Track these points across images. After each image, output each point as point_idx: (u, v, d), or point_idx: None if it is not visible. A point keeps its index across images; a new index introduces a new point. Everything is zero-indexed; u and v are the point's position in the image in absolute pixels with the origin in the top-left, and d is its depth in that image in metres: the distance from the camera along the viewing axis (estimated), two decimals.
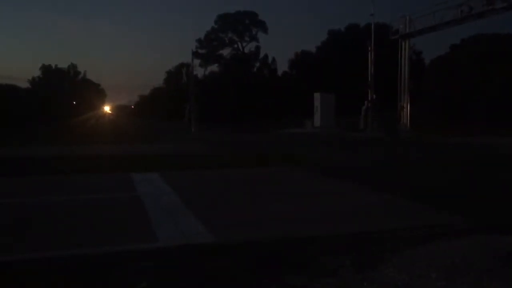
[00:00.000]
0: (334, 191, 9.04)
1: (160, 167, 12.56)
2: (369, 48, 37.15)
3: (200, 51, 73.34)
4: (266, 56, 75.38)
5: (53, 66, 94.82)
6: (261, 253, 4.84)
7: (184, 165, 13.52)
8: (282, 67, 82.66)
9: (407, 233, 5.32)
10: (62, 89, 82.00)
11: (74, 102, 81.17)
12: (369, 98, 36.73)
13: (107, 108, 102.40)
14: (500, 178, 10.56)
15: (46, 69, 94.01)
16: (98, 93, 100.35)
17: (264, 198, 8.22)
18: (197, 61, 65.91)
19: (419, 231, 5.42)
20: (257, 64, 75.77)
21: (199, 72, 73.43)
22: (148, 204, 7.57)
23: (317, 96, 44.29)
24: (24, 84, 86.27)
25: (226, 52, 77.23)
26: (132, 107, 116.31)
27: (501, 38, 44.02)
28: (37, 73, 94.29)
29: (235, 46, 76.94)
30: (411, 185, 9.60)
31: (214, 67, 77.12)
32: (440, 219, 6.21)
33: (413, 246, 4.64)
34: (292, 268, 4.34)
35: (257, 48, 75.71)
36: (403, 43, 35.13)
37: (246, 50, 76.78)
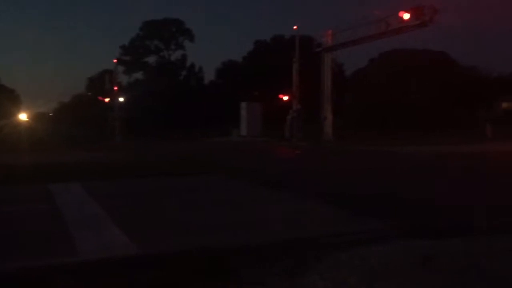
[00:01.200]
0: (261, 199, 9.12)
1: (81, 177, 12.07)
2: (294, 60, 38.14)
3: (124, 57, 71.57)
4: (193, 64, 74.97)
5: None
6: (188, 263, 4.77)
7: (106, 174, 13.09)
8: (209, 76, 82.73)
9: (332, 240, 5.47)
10: None
11: None
12: (294, 108, 37.62)
13: (23, 116, 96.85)
14: (418, 183, 11.15)
15: None
16: (12, 100, 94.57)
17: (190, 207, 8.14)
18: (121, 68, 64.20)
19: (343, 237, 5.59)
20: (184, 73, 75.16)
21: (123, 79, 71.48)
22: (68, 215, 7.24)
23: (243, 105, 44.81)
24: None
25: (151, 59, 75.92)
26: (51, 114, 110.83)
27: (416, 53, 46.82)
28: None
29: (161, 53, 75.88)
30: (334, 192, 9.88)
31: (139, 75, 75.51)
32: (362, 225, 6.45)
33: (337, 253, 4.78)
34: (220, 277, 4.31)
35: (184, 56, 75.12)
36: (326, 56, 36.41)
37: (172, 58, 75.93)
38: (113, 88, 51.37)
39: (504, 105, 45.00)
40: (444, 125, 37.46)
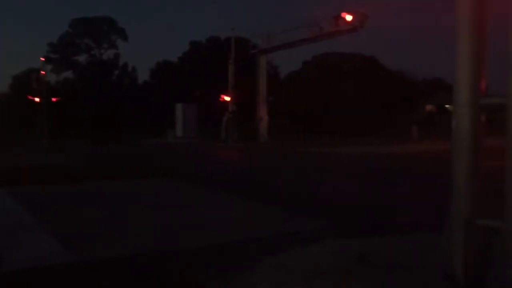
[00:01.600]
0: (200, 201, 9.04)
1: (6, 182, 11.42)
2: (230, 61, 38.25)
3: (52, 55, 68.57)
4: (126, 64, 73.09)
5: None
6: (125, 270, 4.64)
7: (34, 179, 12.48)
8: (144, 76, 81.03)
9: (272, 241, 5.51)
10: None
11: None
12: (230, 110, 37.72)
13: None
14: (352, 183, 11.51)
15: None
16: None
17: (126, 211, 7.92)
18: (48, 67, 61.37)
19: (282, 238, 5.65)
20: (117, 72, 73.13)
21: (52, 78, 68.46)
22: None
23: (178, 106, 44.39)
24: None
25: (82, 58, 73.23)
26: None
27: (347, 56, 48.46)
28: None
29: (92, 52, 73.39)
30: (272, 192, 9.99)
31: (69, 74, 72.60)
32: (301, 226, 6.55)
33: (277, 254, 4.82)
34: (159, 283, 4.23)
35: (116, 55, 73.07)
36: (261, 58, 36.83)
37: (104, 57, 73.64)
38: (40, 87, 49.07)
39: (428, 107, 47.67)
40: (374, 127, 39.07)
